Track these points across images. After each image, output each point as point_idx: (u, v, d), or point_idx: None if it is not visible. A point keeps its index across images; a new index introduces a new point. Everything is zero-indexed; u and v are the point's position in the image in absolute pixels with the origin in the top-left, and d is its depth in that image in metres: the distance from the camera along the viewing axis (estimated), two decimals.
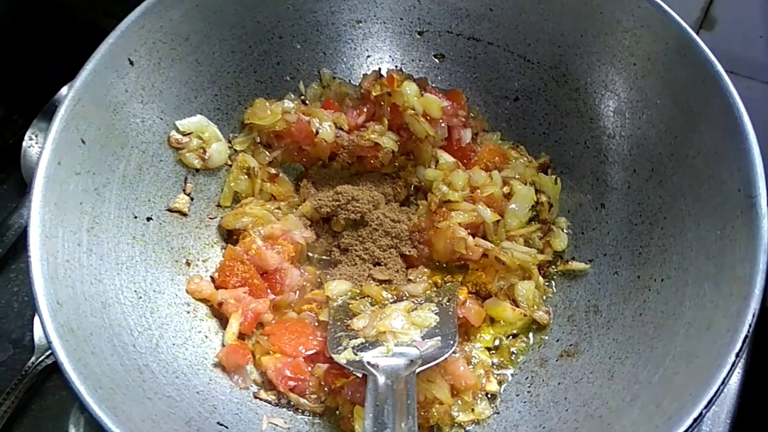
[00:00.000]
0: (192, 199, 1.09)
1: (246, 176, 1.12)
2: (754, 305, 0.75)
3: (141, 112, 1.01)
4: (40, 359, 1.11)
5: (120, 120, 0.98)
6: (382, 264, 1.09)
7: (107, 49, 0.95)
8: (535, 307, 1.05)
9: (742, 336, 0.74)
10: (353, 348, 0.93)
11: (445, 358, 0.91)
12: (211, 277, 1.06)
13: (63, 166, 0.89)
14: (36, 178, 0.85)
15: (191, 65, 1.07)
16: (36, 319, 1.15)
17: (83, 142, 0.92)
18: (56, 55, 1.45)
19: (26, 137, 1.34)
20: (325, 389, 0.96)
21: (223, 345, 0.99)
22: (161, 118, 1.05)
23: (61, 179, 0.88)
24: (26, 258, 1.14)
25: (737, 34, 1.17)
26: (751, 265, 0.78)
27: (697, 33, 0.95)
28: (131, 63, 0.98)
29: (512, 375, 1.01)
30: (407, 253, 1.10)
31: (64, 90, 1.38)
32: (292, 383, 0.96)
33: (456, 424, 0.95)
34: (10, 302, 1.21)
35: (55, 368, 1.11)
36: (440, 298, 1.02)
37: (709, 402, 0.72)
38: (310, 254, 1.13)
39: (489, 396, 0.98)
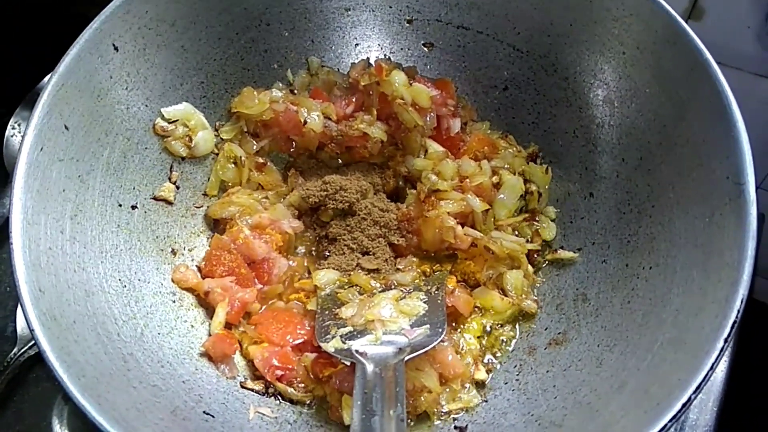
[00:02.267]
0: (178, 187, 1.08)
1: (233, 165, 1.11)
2: (743, 291, 0.76)
3: (126, 98, 1.00)
4: (23, 350, 1.10)
5: (104, 106, 0.97)
6: (370, 253, 1.08)
7: (91, 34, 0.93)
8: (524, 296, 1.05)
9: (731, 321, 0.74)
10: (341, 336, 0.92)
11: (434, 347, 0.91)
12: (198, 267, 1.06)
13: (45, 152, 0.87)
14: (18, 165, 0.84)
15: (177, 52, 1.05)
16: (19, 309, 1.14)
17: (66, 128, 0.91)
18: (38, 44, 1.43)
19: (8, 127, 1.32)
20: (313, 378, 0.95)
21: (210, 334, 0.99)
22: (146, 105, 1.03)
23: (44, 166, 0.87)
24: (8, 246, 1.13)
25: (725, 24, 1.18)
26: (740, 252, 0.78)
27: (686, 23, 0.95)
28: (116, 48, 0.97)
29: (501, 363, 1.01)
30: (396, 242, 1.09)
31: (47, 79, 1.35)
32: (279, 372, 0.96)
33: (444, 412, 0.94)
34: None
35: (38, 359, 1.10)
36: (429, 287, 1.02)
37: (697, 388, 0.72)
38: (298, 243, 1.12)
39: (477, 384, 0.98)
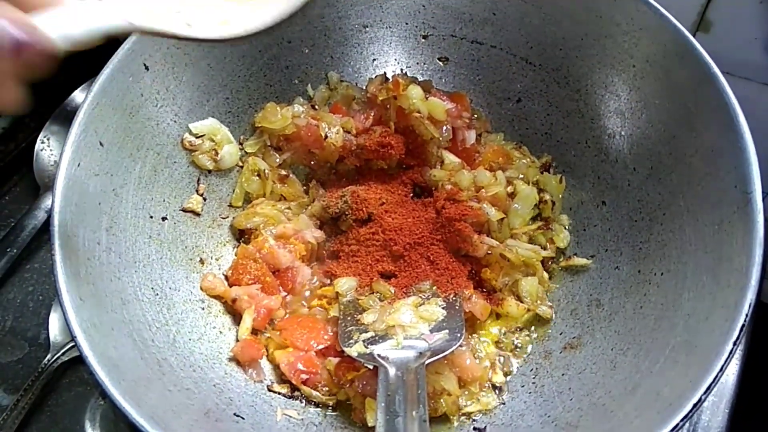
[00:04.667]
0: (205, 199, 1.12)
1: (257, 177, 1.15)
2: (751, 296, 0.78)
3: (156, 115, 1.04)
4: (56, 357, 1.12)
5: (136, 123, 1.01)
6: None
7: (124, 54, 0.98)
8: (539, 302, 1.08)
9: (740, 325, 0.77)
10: (364, 341, 0.96)
11: (453, 351, 0.94)
12: (225, 275, 1.09)
13: (82, 167, 0.91)
14: (57, 180, 0.88)
15: (203, 69, 1.10)
16: (51, 317, 1.18)
17: (101, 144, 0.95)
18: (68, 59, 1.48)
19: (38, 140, 1.36)
20: (337, 382, 0.98)
21: (238, 340, 1.02)
22: (175, 121, 1.08)
23: (81, 180, 0.91)
24: (44, 257, 1.17)
25: (733, 36, 1.20)
26: (748, 258, 0.81)
27: (694, 35, 0.98)
28: (146, 68, 1.01)
29: (517, 367, 1.03)
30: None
31: (76, 94, 1.40)
32: (304, 376, 0.99)
33: (464, 414, 0.97)
34: (26, 301, 1.23)
35: (71, 365, 1.14)
36: (447, 294, 1.05)
37: (707, 388, 0.74)
38: (319, 252, 1.15)
39: (495, 387, 1.01)
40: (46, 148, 1.37)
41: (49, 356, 1.13)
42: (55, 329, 1.17)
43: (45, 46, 0.61)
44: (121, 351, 0.84)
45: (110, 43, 0.99)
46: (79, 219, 0.89)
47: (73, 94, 1.40)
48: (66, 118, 1.37)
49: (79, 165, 0.91)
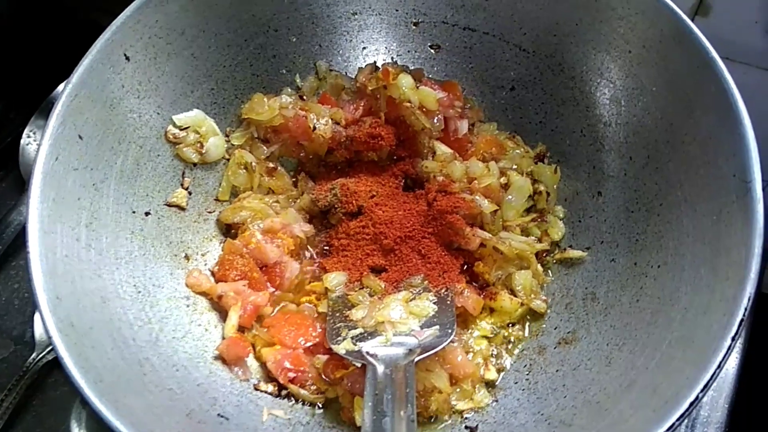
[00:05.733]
0: (190, 193, 1.09)
1: (244, 170, 1.13)
2: (750, 289, 0.76)
3: (138, 107, 1.02)
4: (41, 355, 1.11)
5: (117, 115, 0.98)
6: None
7: (103, 44, 0.95)
8: (533, 295, 1.05)
9: (738, 319, 0.74)
10: (352, 338, 0.93)
11: (444, 347, 0.92)
12: (211, 271, 1.07)
13: (61, 161, 0.89)
14: (34, 174, 0.86)
15: (187, 59, 1.07)
16: (36, 315, 1.16)
17: (80, 137, 0.92)
18: (53, 52, 1.45)
19: (24, 135, 1.34)
20: (325, 380, 0.96)
21: (223, 338, 1.00)
22: (158, 113, 1.05)
23: (59, 175, 0.89)
24: (26, 254, 1.15)
25: (732, 20, 1.18)
26: (747, 249, 0.79)
27: (693, 19, 0.95)
28: (127, 58, 0.99)
29: (511, 363, 1.01)
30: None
31: (61, 87, 1.37)
32: (291, 375, 0.97)
33: (455, 412, 0.95)
34: (11, 299, 1.21)
35: (57, 364, 1.11)
36: (438, 288, 1.03)
37: (705, 385, 0.72)
38: (309, 247, 1.13)
39: (488, 384, 0.98)
40: (32, 142, 1.36)
41: (34, 355, 1.11)
42: (40, 328, 1.15)
43: None
44: (99, 351, 0.82)
45: (90, 33, 0.98)
46: (57, 215, 0.87)
47: (58, 88, 1.38)
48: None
49: (57, 159, 0.89)
